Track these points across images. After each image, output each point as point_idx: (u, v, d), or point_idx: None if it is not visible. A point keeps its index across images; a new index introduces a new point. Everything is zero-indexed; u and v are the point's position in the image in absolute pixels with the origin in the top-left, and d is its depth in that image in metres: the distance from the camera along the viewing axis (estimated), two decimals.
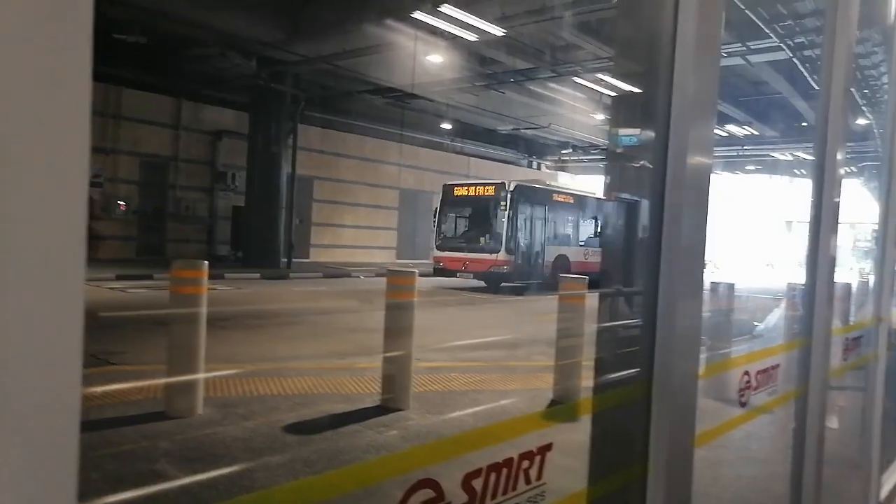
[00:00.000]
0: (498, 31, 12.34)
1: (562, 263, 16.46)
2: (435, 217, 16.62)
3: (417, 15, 11.68)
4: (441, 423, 4.25)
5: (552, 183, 19.52)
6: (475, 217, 16.26)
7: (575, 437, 1.42)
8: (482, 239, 15.61)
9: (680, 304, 1.48)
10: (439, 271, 15.68)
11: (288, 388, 4.99)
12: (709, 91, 1.54)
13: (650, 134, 1.64)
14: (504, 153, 26.26)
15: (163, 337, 4.22)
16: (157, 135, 17.17)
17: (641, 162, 1.77)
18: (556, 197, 17.39)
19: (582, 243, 17.81)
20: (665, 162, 1.50)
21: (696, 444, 1.54)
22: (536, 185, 17.16)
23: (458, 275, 15.57)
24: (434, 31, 12.54)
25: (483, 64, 15.47)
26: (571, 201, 17.83)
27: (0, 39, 0.57)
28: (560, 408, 3.74)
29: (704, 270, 1.59)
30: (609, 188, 1.84)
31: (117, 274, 11.29)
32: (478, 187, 16.14)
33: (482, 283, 15.40)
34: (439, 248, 16.35)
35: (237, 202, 17.90)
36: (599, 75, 15.38)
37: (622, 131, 2.12)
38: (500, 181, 15.95)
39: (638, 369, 1.52)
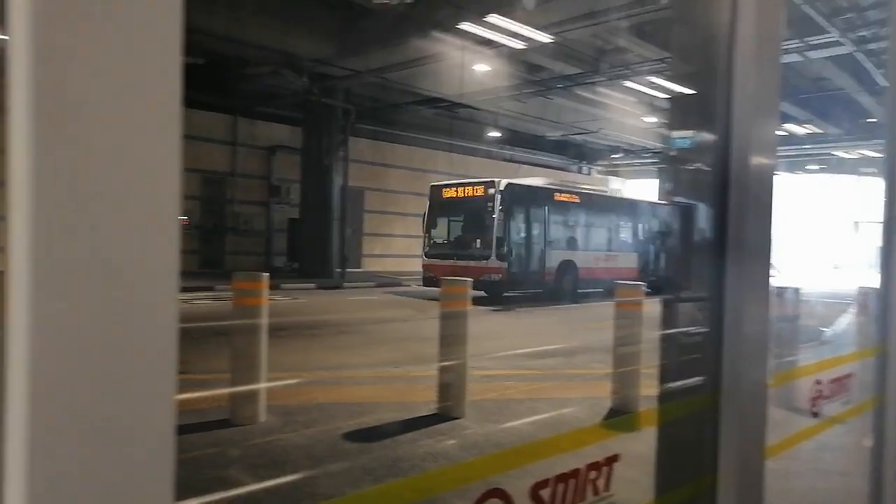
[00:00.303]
0: (545, 37, 12.30)
1: (568, 270, 14.94)
2: (424, 221, 14.99)
3: (464, 26, 11.76)
4: (499, 431, 4.23)
5: (584, 183, 18.39)
6: (464, 221, 14.71)
7: (636, 447, 1.40)
8: (471, 244, 14.06)
9: (747, 310, 1.44)
10: (428, 281, 13.99)
11: (345, 397, 5.06)
12: (770, 90, 1.50)
13: (708, 136, 1.61)
14: (553, 159, 26.08)
15: (225, 347, 4.34)
16: (215, 151, 17.77)
17: (699, 164, 1.73)
18: (559, 197, 15.57)
19: (596, 247, 16.27)
20: (727, 163, 1.46)
21: (766, 455, 1.49)
22: (534, 184, 15.37)
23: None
24: (481, 40, 12.60)
25: (531, 71, 15.44)
26: (578, 201, 15.93)
27: (105, 71, 0.62)
28: (625, 418, 3.67)
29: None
30: (667, 191, 1.80)
31: (182, 286, 11.65)
32: (466, 188, 14.42)
33: (482, 294, 13.34)
34: (427, 255, 14.76)
35: (292, 214, 18.33)
36: (650, 77, 15.12)
37: (678, 133, 2.08)
38: (489, 179, 14.29)
39: (704, 378, 1.48)
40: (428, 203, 14.98)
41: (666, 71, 14.40)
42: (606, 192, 17.79)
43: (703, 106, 1.65)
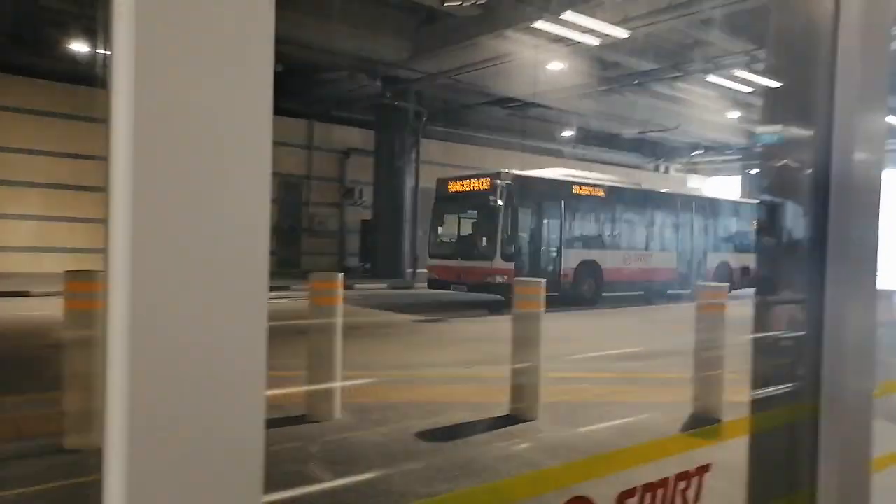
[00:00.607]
0: (622, 33, 12.02)
1: (589, 271, 13.49)
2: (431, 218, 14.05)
3: (539, 24, 11.65)
4: (574, 435, 4.16)
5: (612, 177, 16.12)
6: (468, 217, 13.54)
7: (721, 456, 1.33)
8: (475, 244, 12.83)
9: (850, 314, 1.34)
10: (433, 283, 13.22)
11: (418, 396, 5.10)
12: (878, 80, 1.40)
13: (806, 131, 1.52)
14: (629, 157, 25.47)
15: (302, 345, 4.46)
16: (292, 155, 18.35)
17: (794, 160, 1.63)
18: (579, 190, 13.91)
19: (628, 246, 14.73)
20: (828, 159, 1.37)
21: (873, 469, 1.39)
22: (547, 176, 13.88)
23: (451, 287, 12.76)
24: (555, 38, 12.45)
25: (606, 68, 15.13)
26: (602, 195, 14.24)
27: (201, 81, 0.64)
28: (715, 427, 3.53)
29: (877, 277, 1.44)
30: (761, 189, 1.70)
31: None
32: (471, 181, 13.12)
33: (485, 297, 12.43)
34: (432, 255, 13.65)
35: (365, 216, 18.69)
36: (734, 71, 14.52)
37: (770, 129, 1.98)
38: (494, 172, 12.90)
39: (802, 385, 1.40)
40: (434, 198, 13.99)
41: (751, 63, 13.80)
42: (640, 185, 16.33)
43: (801, 99, 1.56)
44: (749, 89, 15.95)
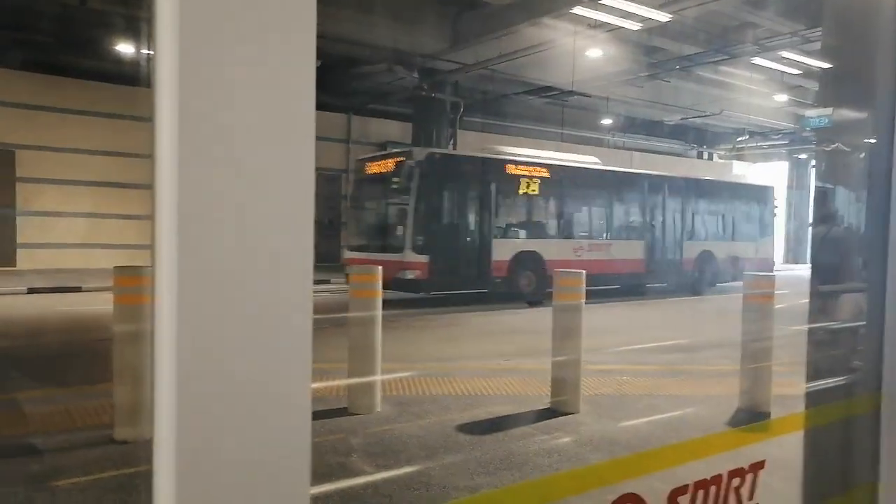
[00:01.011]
0: (663, 16, 11.74)
1: (527, 264, 11.56)
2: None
3: (577, 10, 11.47)
4: (617, 429, 4.09)
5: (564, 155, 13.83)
6: (380, 203, 11.74)
7: (771, 451, 1.27)
8: (386, 234, 11.24)
9: None
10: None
11: (457, 389, 5.09)
12: None
13: (865, 113, 1.43)
14: (671, 145, 24.94)
15: (341, 338, 4.49)
16: (331, 149, 18.52)
17: (851, 145, 1.55)
18: (513, 170, 11.82)
19: (581, 234, 12.91)
20: (892, 143, 1.29)
21: None
22: (472, 155, 12.18)
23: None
24: (593, 24, 12.23)
25: (646, 53, 14.81)
26: (547, 175, 12.17)
27: (244, 80, 0.65)
28: (766, 422, 3.42)
29: None
30: (819, 174, 1.62)
31: None
32: (386, 161, 11.30)
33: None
34: (350, 247, 11.97)
35: None
36: (781, 53, 14.05)
37: (822, 112, 1.89)
38: (405, 150, 11.16)
39: (861, 377, 1.33)
40: (352, 182, 12.06)
41: (800, 44, 13.33)
42: (599, 165, 13.90)
43: (860, 81, 1.48)
44: (797, 71, 15.41)
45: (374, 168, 11.51)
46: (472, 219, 11.50)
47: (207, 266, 0.63)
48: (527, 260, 11.62)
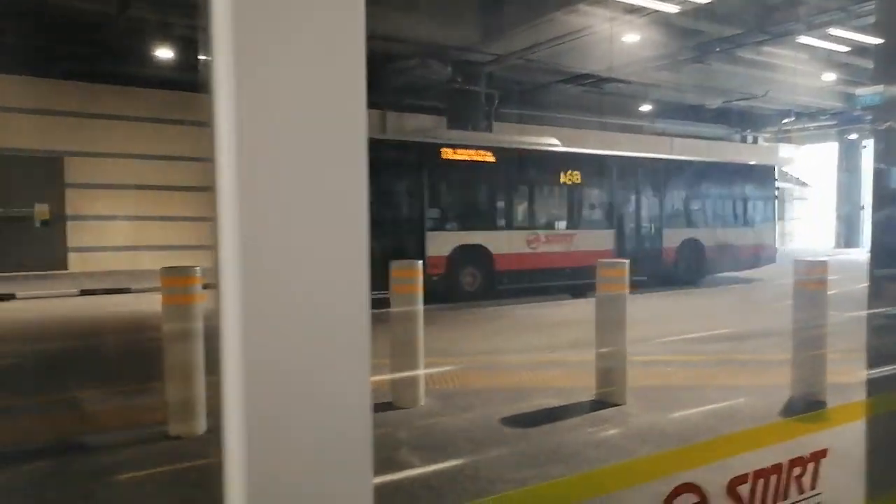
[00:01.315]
0: None
1: (470, 259, 10.62)
2: None
3: None
4: (665, 420, 4.01)
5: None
6: None
7: (829, 441, 1.22)
8: None
9: None
10: None
11: (501, 382, 5.07)
12: None
13: None
14: (713, 129, 24.35)
15: (385, 333, 4.52)
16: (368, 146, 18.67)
17: None
18: (450, 155, 10.68)
19: (540, 224, 11.63)
20: None
21: None
22: (400, 140, 11.01)
23: None
24: (630, 8, 12.01)
25: (685, 37, 14.47)
26: (493, 160, 11.03)
27: (299, 82, 0.68)
28: (827, 411, 3.31)
29: None
30: (875, 156, 1.54)
31: None
32: None
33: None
34: None
35: None
36: (828, 30, 13.55)
37: (873, 90, 1.80)
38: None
39: None
40: None
41: (849, 20, 12.84)
42: (557, 147, 12.38)
43: None
44: (846, 48, 14.85)
45: None
46: (401, 211, 10.31)
47: (269, 267, 0.66)
48: (469, 254, 10.60)
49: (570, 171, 11.92)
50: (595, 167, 12.47)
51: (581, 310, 8.12)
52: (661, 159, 13.90)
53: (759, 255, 13.90)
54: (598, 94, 18.79)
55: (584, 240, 11.79)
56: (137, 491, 3.10)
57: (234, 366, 0.65)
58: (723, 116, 23.63)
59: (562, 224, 11.88)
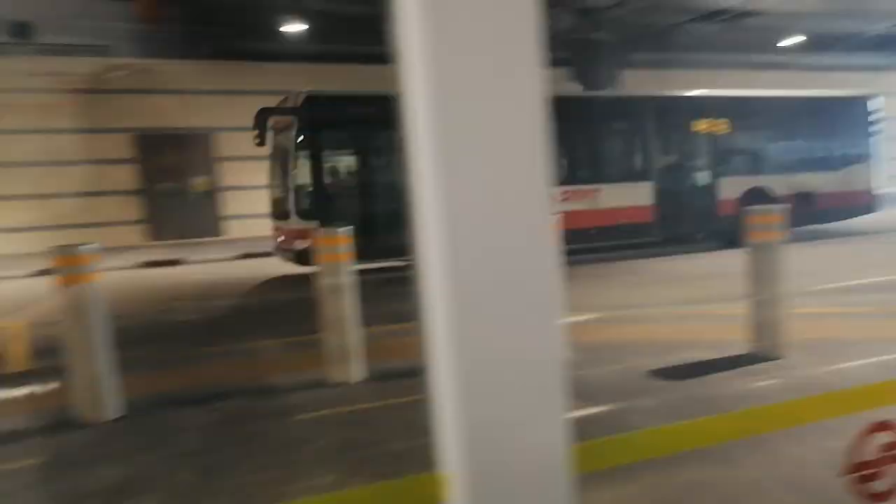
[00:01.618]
0: None
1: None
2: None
3: None
4: (828, 373, 3.77)
5: None
6: (273, 163, 9.90)
7: None
8: (278, 198, 9.54)
9: None
10: (278, 252, 9.63)
11: (649, 335, 4.98)
12: None
13: None
14: (870, 59, 21.75)
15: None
16: None
17: None
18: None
19: (560, 178, 9.97)
20: None
21: None
22: (367, 95, 8.53)
23: (275, 252, 9.72)
24: None
25: None
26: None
27: (487, 87, 0.75)
28: None
29: None
30: None
31: None
32: (273, 109, 9.04)
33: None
34: (272, 215, 9.96)
35: None
36: None
37: None
38: (287, 93, 9.03)
39: None
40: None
41: None
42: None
43: None
44: None
45: (273, 119, 9.04)
46: (378, 175, 9.21)
47: (469, 257, 0.75)
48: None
49: (590, 118, 10.45)
50: (630, 112, 11.10)
51: (709, 262, 7.73)
52: (718, 97, 11.76)
53: (851, 202, 11.86)
54: (738, 31, 17.32)
55: (612, 196, 10.33)
56: (322, 428, 3.39)
57: (443, 344, 0.77)
58: (884, 44, 20.99)
59: (584, 179, 10.24)
